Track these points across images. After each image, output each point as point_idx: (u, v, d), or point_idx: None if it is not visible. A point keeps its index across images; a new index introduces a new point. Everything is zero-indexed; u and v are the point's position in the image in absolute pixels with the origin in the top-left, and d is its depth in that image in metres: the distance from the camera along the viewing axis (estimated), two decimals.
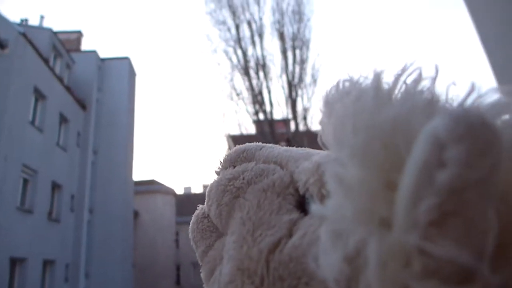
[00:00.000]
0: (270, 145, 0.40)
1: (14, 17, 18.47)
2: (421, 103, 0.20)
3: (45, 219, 13.45)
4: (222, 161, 0.41)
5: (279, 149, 0.38)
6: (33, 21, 17.45)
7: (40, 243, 12.74)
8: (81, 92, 17.89)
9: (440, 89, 0.22)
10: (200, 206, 0.41)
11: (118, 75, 20.50)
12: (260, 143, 0.41)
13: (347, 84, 0.25)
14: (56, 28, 17.35)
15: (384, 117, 0.19)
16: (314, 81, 14.01)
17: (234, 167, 0.39)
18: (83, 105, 17.64)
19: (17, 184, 11.92)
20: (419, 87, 0.22)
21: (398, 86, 0.22)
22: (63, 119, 15.69)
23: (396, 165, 0.18)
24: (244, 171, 0.37)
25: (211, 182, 0.39)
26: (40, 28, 16.07)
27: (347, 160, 0.19)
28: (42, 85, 13.82)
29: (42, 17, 17.62)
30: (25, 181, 12.62)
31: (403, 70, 0.23)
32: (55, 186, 14.59)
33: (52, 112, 14.61)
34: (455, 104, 0.21)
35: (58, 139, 15.13)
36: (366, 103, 0.21)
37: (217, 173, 0.41)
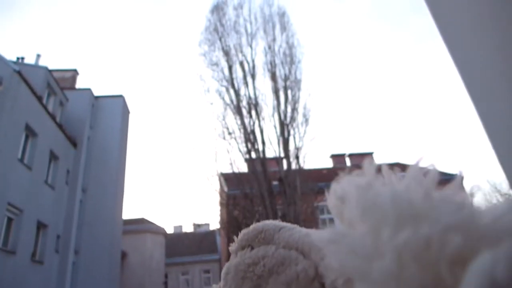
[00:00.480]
0: (289, 225, 0.38)
1: (11, 55, 18.88)
2: (456, 219, 0.18)
3: (28, 260, 12.91)
4: (239, 239, 0.39)
5: (300, 232, 0.37)
6: (30, 60, 17.71)
7: (21, 285, 12.15)
8: (73, 129, 17.86)
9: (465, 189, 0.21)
10: (214, 286, 0.39)
11: (111, 113, 20.59)
12: (278, 223, 0.39)
13: (363, 193, 0.22)
14: (52, 66, 17.64)
15: (417, 235, 0.18)
16: (306, 120, 14.20)
17: (252, 247, 0.38)
18: (74, 143, 17.55)
19: (1, 224, 11.53)
20: (447, 195, 0.20)
21: (418, 188, 0.20)
22: (53, 157, 15.52)
23: (436, 285, 0.17)
24: (265, 257, 0.35)
25: (228, 264, 0.37)
26: (35, 66, 16.28)
27: (379, 280, 0.18)
28: (34, 122, 13.78)
29: (38, 56, 17.92)
30: (9, 220, 12.22)
31: (422, 171, 0.21)
32: (41, 226, 14.14)
33: (42, 150, 14.47)
34: (491, 220, 0.19)
35: (46, 177, 14.87)
36: (389, 216, 0.19)
37: (233, 251, 0.38)
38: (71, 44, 50.87)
